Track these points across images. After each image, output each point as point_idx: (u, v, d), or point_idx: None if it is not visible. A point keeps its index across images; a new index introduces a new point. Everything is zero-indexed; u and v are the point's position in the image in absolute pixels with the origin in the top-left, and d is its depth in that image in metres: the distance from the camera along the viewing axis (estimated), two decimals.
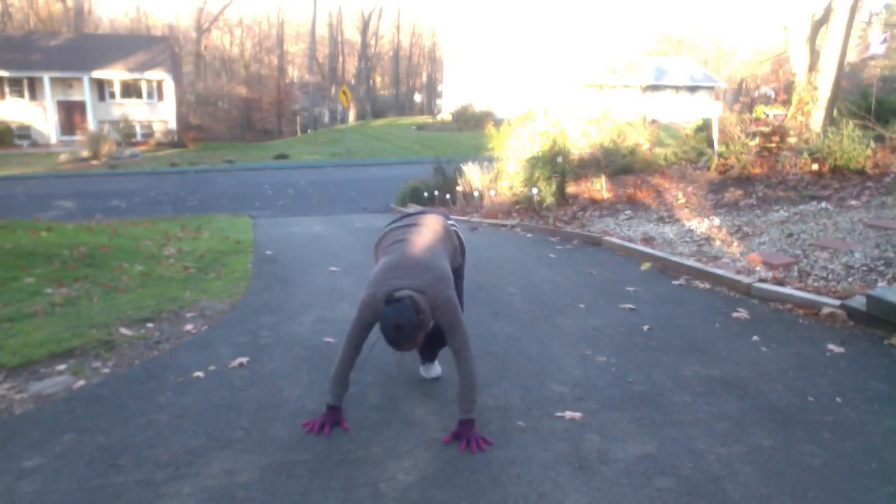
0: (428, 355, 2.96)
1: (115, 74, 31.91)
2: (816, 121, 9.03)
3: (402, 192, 13.48)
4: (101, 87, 32.02)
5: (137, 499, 2.04)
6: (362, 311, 2.42)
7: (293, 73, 56.93)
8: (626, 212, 7.75)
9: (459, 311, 2.46)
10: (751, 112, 8.93)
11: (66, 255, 5.56)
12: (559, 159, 8.78)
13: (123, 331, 3.68)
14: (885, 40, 10.77)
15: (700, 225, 6.42)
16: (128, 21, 52.77)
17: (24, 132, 30.91)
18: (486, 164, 11.23)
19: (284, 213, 13.13)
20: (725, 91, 35.60)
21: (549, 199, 8.40)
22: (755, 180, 7.55)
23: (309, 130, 43.25)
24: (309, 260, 6.10)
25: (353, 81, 54.04)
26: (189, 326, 3.83)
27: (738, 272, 4.68)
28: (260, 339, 3.59)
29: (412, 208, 3.10)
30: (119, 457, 2.29)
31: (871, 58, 12.94)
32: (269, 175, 20.94)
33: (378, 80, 62.30)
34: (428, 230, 2.69)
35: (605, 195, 8.62)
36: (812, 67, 9.72)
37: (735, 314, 3.91)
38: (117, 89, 32.46)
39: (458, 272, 2.80)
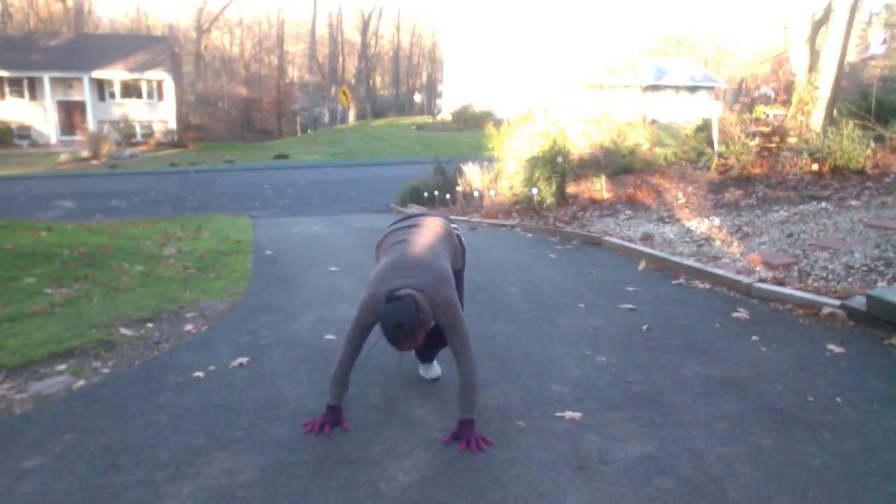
0: (427, 356, 2.96)
1: (115, 74, 31.91)
2: (816, 121, 9.02)
3: (402, 192, 13.48)
4: (101, 87, 32.03)
5: (137, 499, 2.04)
6: (363, 311, 2.42)
7: (293, 73, 56.94)
8: (626, 212, 7.75)
9: (460, 311, 2.46)
10: (751, 112, 8.92)
11: (66, 255, 5.56)
12: (559, 159, 8.78)
13: (123, 331, 3.68)
14: (885, 40, 10.77)
15: (700, 225, 6.42)
16: (128, 21, 52.80)
17: (24, 132, 30.92)
18: (486, 164, 11.23)
19: (284, 213, 13.13)
20: (725, 91, 35.60)
21: (549, 199, 8.39)
22: (755, 180, 7.55)
23: (309, 130, 43.25)
24: (309, 260, 6.10)
25: (353, 81, 54.05)
26: (189, 326, 3.83)
27: (738, 272, 4.68)
28: (260, 339, 3.59)
29: (413, 209, 3.11)
30: (119, 457, 2.29)
31: (871, 58, 12.94)
32: (269, 175, 20.94)
33: (378, 80, 62.32)
34: (428, 231, 2.70)
35: (605, 195, 8.62)
36: (812, 67, 9.71)
37: (735, 314, 3.91)
38: (117, 89, 32.46)
39: (458, 274, 2.80)
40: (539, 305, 4.26)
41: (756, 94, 10.00)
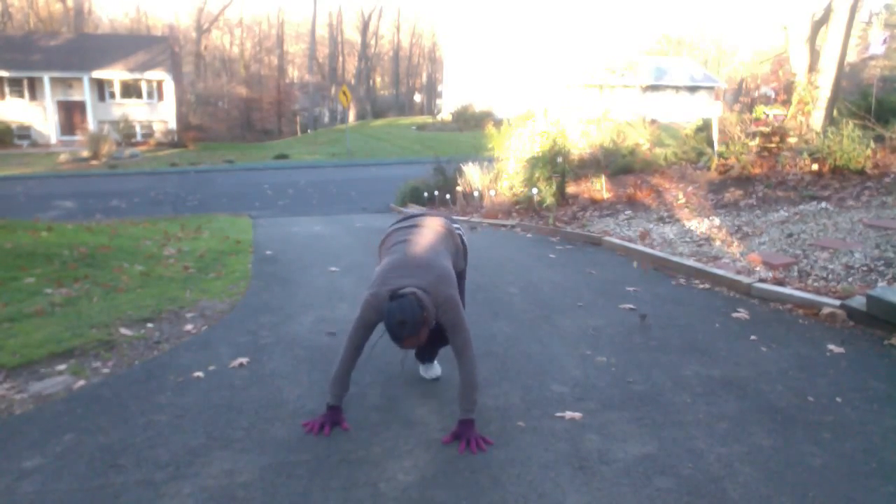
0: (428, 356, 2.97)
1: (115, 74, 31.91)
2: (816, 121, 9.02)
3: (402, 192, 13.48)
4: (101, 87, 32.02)
5: (137, 499, 2.04)
6: (365, 311, 2.42)
7: (293, 73, 56.94)
8: (626, 212, 7.75)
9: (462, 310, 2.47)
10: (751, 112, 8.92)
11: (66, 255, 5.56)
12: (559, 159, 8.78)
13: (123, 331, 3.68)
14: (885, 40, 10.77)
15: (700, 225, 6.41)
16: (128, 21, 52.79)
17: (24, 132, 30.92)
18: (486, 164, 11.23)
19: (284, 213, 13.13)
20: (725, 91, 35.58)
21: (549, 199, 8.39)
22: (755, 180, 7.55)
23: (309, 130, 43.26)
24: (309, 260, 6.10)
25: (353, 81, 54.05)
26: (189, 326, 3.83)
27: (738, 272, 4.68)
28: (260, 339, 3.59)
29: (413, 209, 3.11)
30: (119, 457, 2.29)
31: (871, 58, 12.94)
32: (269, 175, 20.94)
33: (378, 80, 62.32)
34: (430, 231, 2.70)
35: (605, 195, 8.62)
36: (812, 67, 9.71)
37: (735, 314, 3.91)
38: (117, 89, 32.46)
39: (460, 274, 2.81)
40: (539, 305, 4.26)
41: (756, 94, 9.99)
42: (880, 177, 6.70)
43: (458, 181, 11.45)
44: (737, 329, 3.66)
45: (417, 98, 59.84)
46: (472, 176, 11.14)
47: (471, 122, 33.20)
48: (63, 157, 25.58)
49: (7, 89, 30.66)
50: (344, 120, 44.83)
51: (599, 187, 8.86)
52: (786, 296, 4.08)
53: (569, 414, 2.59)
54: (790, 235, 5.36)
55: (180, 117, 34.76)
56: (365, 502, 2.02)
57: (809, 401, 2.69)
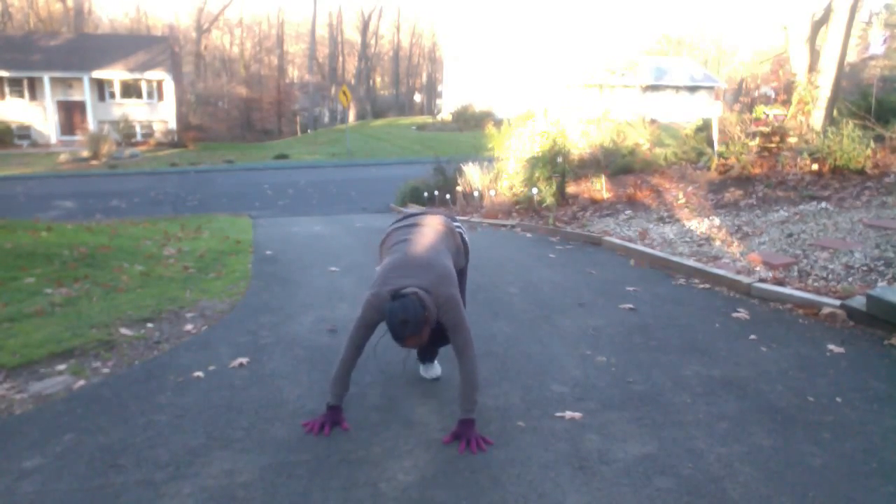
0: (428, 356, 2.97)
1: (115, 74, 31.90)
2: (816, 121, 9.02)
3: (402, 192, 13.48)
4: (101, 87, 32.02)
5: (137, 499, 2.04)
6: (366, 310, 2.43)
7: (293, 73, 56.94)
8: (626, 212, 7.75)
9: (463, 310, 2.47)
10: (751, 112, 8.92)
11: (66, 255, 5.56)
12: (559, 159, 8.78)
13: (123, 331, 3.68)
14: (885, 40, 10.76)
15: (700, 225, 6.41)
16: (128, 21, 52.78)
17: (24, 132, 30.92)
18: (486, 164, 11.23)
19: (284, 213, 13.13)
20: (725, 91, 35.59)
21: (549, 199, 8.40)
22: (755, 180, 7.55)
23: (309, 130, 43.25)
24: (309, 260, 6.10)
25: (353, 81, 54.04)
26: (189, 326, 3.83)
27: (738, 272, 4.68)
28: (260, 339, 3.59)
29: (414, 209, 3.12)
30: (119, 457, 2.29)
31: (871, 58, 12.93)
32: (269, 175, 20.94)
33: (378, 80, 62.31)
34: (430, 230, 2.71)
35: (605, 195, 8.62)
36: (812, 67, 9.71)
37: (735, 314, 3.91)
38: (117, 89, 32.46)
39: (461, 272, 2.81)
40: (539, 305, 4.26)
41: (756, 94, 10.00)
42: (880, 177, 6.70)
43: (458, 181, 11.45)
44: (737, 329, 3.66)
45: (417, 98, 59.84)
46: (472, 176, 11.14)
47: (471, 122, 33.20)
48: (63, 157, 25.58)
49: (7, 89, 30.66)
50: (344, 120, 44.83)
51: (599, 187, 8.86)
52: (786, 296, 4.08)
53: (569, 414, 2.59)
54: (790, 235, 5.36)
55: (180, 117, 34.76)
56: (365, 502, 2.02)
57: (809, 401, 2.69)
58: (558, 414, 2.60)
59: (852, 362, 3.10)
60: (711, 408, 2.65)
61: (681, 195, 7.82)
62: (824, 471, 2.16)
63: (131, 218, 11.11)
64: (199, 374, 3.07)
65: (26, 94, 30.91)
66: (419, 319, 2.25)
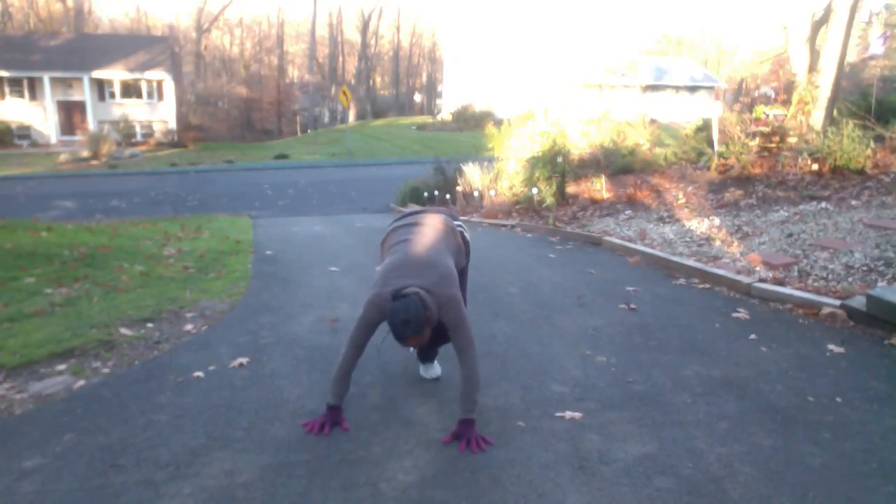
0: (428, 355, 2.97)
1: (115, 74, 31.90)
2: (816, 121, 9.02)
3: (402, 192, 13.48)
4: (101, 87, 32.02)
5: (137, 499, 2.04)
6: (368, 310, 2.43)
7: (293, 73, 56.93)
8: (626, 212, 7.75)
9: (464, 309, 2.47)
10: (751, 112, 8.92)
11: (66, 255, 5.56)
12: (559, 159, 8.78)
13: (123, 331, 3.68)
14: (884, 40, 10.76)
15: (700, 225, 6.41)
16: (128, 21, 52.78)
17: (24, 132, 30.91)
18: (486, 164, 11.23)
19: (284, 213, 13.13)
20: (725, 91, 35.59)
21: (549, 199, 8.40)
22: (755, 180, 7.55)
23: (309, 130, 43.25)
24: (309, 260, 6.10)
25: (353, 81, 54.04)
26: (189, 326, 3.83)
27: (738, 272, 4.68)
28: (260, 339, 3.59)
29: (414, 208, 3.12)
30: (119, 457, 2.29)
31: (871, 58, 12.93)
32: (269, 175, 20.94)
33: (378, 80, 62.31)
34: (430, 229, 2.71)
35: (605, 195, 8.62)
36: (812, 67, 9.71)
37: (735, 314, 3.91)
38: (117, 89, 32.45)
39: (461, 272, 2.81)
40: (539, 305, 4.26)
41: (756, 94, 10.00)
42: (880, 177, 6.70)
43: (458, 181, 11.45)
44: (737, 329, 3.66)
45: (417, 98, 59.84)
46: (472, 176, 11.14)
47: (471, 122, 33.20)
48: (63, 157, 25.58)
49: (7, 89, 30.66)
50: (344, 120, 44.83)
51: (599, 187, 8.86)
52: (786, 296, 4.08)
53: (569, 414, 2.59)
54: (790, 235, 5.36)
55: (180, 117, 34.76)
56: (365, 502, 2.02)
57: (809, 401, 2.69)
58: (558, 414, 2.60)
59: (852, 362, 3.10)
60: (711, 408, 2.65)
61: (681, 195, 7.82)
62: (824, 471, 2.16)
63: (131, 218, 11.11)
64: (199, 374, 3.07)
65: (26, 94, 30.91)
66: (421, 319, 2.26)
